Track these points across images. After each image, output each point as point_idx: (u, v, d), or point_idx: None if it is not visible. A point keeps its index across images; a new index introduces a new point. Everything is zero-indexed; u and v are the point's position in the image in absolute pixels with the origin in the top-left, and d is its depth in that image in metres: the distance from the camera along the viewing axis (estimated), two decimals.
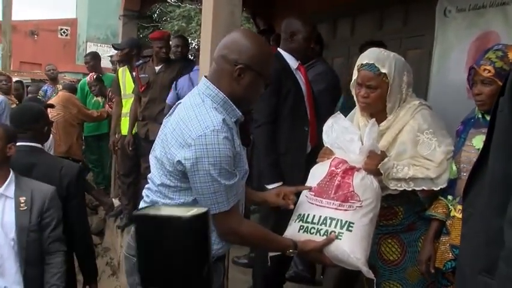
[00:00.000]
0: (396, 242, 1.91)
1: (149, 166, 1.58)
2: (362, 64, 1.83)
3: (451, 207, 1.75)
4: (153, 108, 3.88)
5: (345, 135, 1.76)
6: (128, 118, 4.20)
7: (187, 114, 1.42)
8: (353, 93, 1.91)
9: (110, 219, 5.06)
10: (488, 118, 1.61)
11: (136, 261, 1.39)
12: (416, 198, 1.84)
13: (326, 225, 1.60)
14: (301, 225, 1.66)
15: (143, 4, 5.33)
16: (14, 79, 5.58)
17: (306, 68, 2.94)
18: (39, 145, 2.42)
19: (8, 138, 2.11)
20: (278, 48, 2.64)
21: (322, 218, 1.62)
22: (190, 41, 11.11)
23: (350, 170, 1.68)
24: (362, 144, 1.73)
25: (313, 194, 1.69)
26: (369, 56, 1.83)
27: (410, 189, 1.75)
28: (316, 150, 2.03)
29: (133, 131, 4.10)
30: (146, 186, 1.58)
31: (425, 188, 1.76)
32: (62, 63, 11.47)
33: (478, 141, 1.69)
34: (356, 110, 1.97)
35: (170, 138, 1.43)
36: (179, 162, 1.39)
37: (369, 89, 1.81)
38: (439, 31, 3.26)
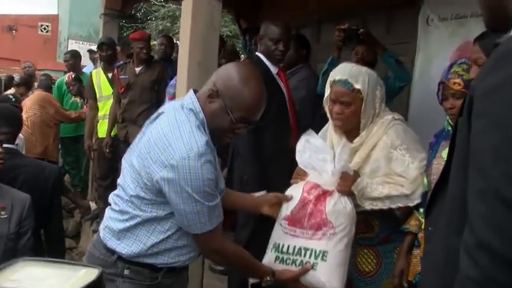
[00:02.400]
0: (372, 252, 1.89)
1: None
2: (334, 80, 1.79)
3: (422, 219, 1.73)
4: (133, 110, 3.81)
5: (318, 154, 1.71)
6: (106, 120, 4.11)
7: (171, 131, 1.37)
8: (326, 109, 1.87)
9: (86, 223, 4.93)
10: None
11: None
12: (391, 212, 1.80)
13: (300, 256, 1.61)
14: (277, 256, 1.66)
15: (125, 3, 5.21)
16: None
17: (289, 74, 2.90)
18: (15, 147, 2.40)
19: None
20: (257, 53, 2.59)
21: (297, 248, 1.62)
22: (175, 41, 11.00)
23: (323, 195, 1.64)
24: (335, 163, 1.69)
25: (287, 223, 1.67)
26: (342, 71, 1.79)
27: (386, 207, 1.73)
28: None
29: (112, 133, 4.01)
30: (115, 192, 1.52)
31: (400, 205, 1.74)
32: (42, 60, 11.19)
33: (446, 153, 1.68)
34: (329, 126, 1.93)
35: (153, 152, 1.38)
36: (159, 181, 1.36)
37: (343, 105, 1.77)
38: (422, 39, 3.26)
